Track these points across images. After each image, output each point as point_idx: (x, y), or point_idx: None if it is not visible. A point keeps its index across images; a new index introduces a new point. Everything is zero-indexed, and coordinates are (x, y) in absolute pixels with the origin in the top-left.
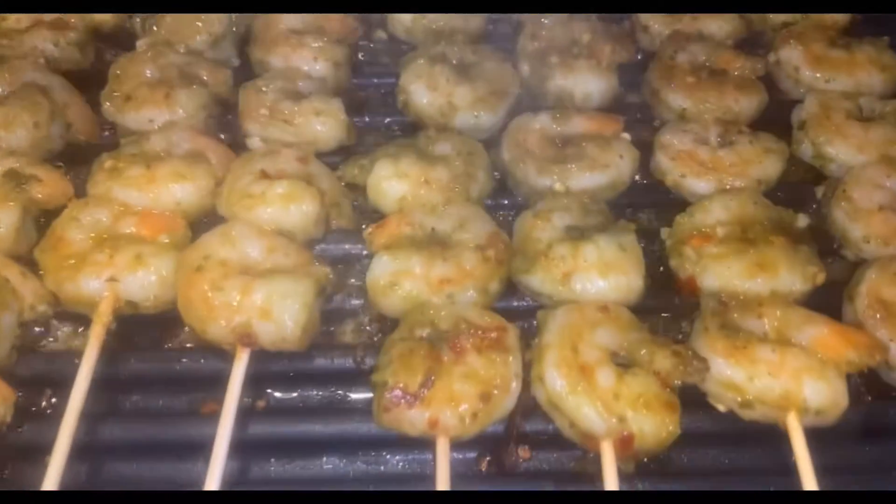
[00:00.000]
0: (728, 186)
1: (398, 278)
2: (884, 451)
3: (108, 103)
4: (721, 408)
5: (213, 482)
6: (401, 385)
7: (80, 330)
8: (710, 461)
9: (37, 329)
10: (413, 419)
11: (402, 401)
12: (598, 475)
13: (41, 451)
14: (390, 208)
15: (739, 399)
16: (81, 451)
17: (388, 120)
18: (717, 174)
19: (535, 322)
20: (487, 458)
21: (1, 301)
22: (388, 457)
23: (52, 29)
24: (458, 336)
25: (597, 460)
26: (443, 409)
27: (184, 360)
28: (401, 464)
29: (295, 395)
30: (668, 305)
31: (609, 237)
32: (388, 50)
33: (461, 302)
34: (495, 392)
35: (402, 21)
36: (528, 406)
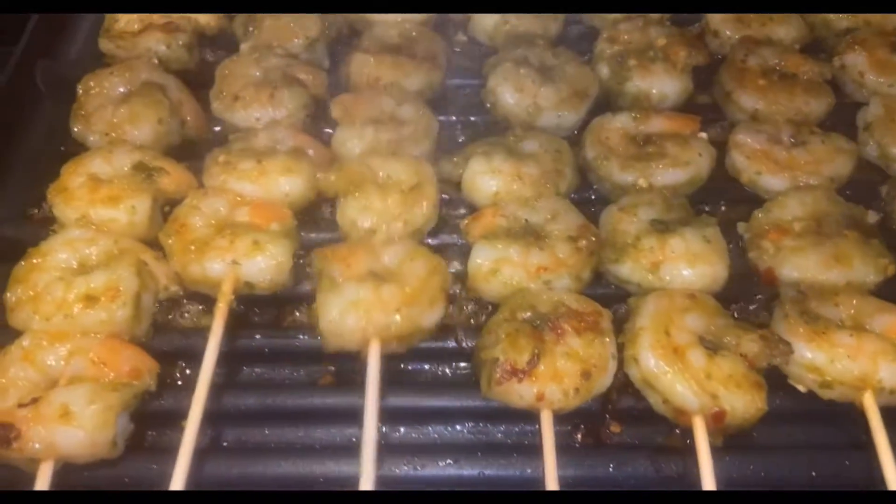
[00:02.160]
0: (802, 184)
1: (499, 265)
2: None
3: (216, 102)
4: (801, 388)
5: (368, 449)
6: (511, 361)
7: (208, 307)
8: (790, 437)
9: (167, 308)
10: (522, 392)
11: (513, 376)
12: (685, 448)
13: (179, 417)
14: (484, 202)
15: (819, 380)
16: (212, 417)
17: (473, 118)
18: (792, 172)
19: (621, 308)
20: (581, 432)
21: (142, 282)
22: (493, 428)
23: (163, 31)
24: (559, 319)
25: (682, 436)
26: (548, 384)
27: (301, 336)
28: (506, 435)
29: (409, 368)
30: (742, 294)
31: (694, 230)
32: (469, 52)
33: (557, 288)
34: (595, 370)
35: (484, 25)
36: (619, 384)
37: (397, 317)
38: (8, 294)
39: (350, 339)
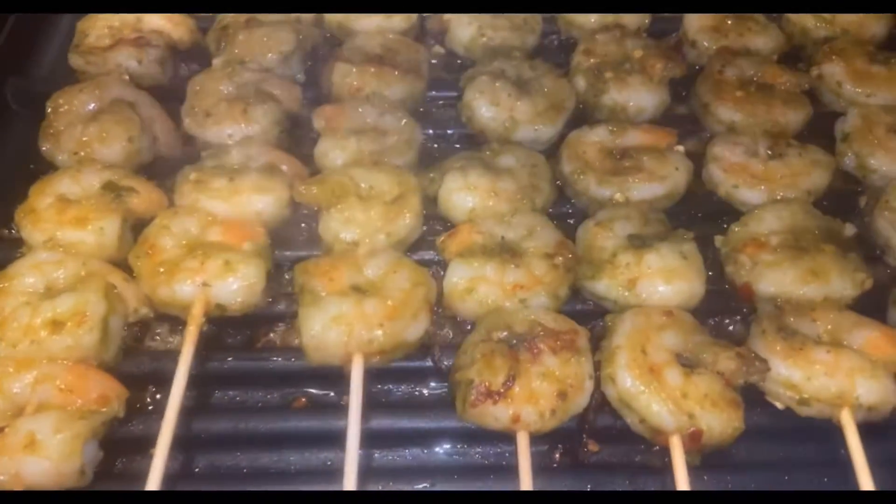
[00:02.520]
0: (779, 197)
1: (474, 283)
2: None
3: (188, 118)
4: (779, 405)
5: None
6: (486, 383)
7: (180, 328)
8: (768, 454)
9: (137, 330)
10: (497, 414)
11: (488, 398)
12: (663, 467)
13: (149, 443)
14: (460, 218)
15: (797, 397)
16: (183, 443)
17: (449, 132)
18: (769, 185)
19: (598, 324)
20: (559, 452)
21: (110, 305)
22: (470, 449)
23: (134, 46)
24: (535, 338)
25: (661, 454)
26: (524, 406)
27: (275, 358)
28: (483, 456)
29: (386, 388)
30: (719, 309)
31: (670, 245)
32: (446, 64)
33: (533, 306)
34: (571, 390)
35: (461, 38)
36: (596, 403)
37: (380, 331)
38: None
39: (333, 354)
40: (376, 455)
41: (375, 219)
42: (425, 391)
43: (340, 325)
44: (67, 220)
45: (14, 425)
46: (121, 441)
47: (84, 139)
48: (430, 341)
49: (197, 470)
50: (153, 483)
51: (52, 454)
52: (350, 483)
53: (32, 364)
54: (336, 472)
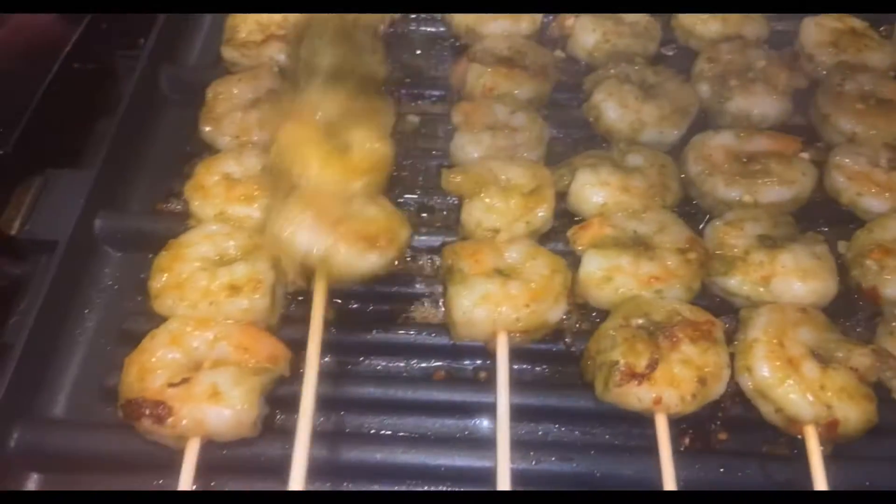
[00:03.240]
0: None
1: (611, 273)
2: None
3: None
4: None
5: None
6: (630, 364)
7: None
8: (892, 449)
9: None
10: (640, 395)
11: (632, 378)
12: (791, 456)
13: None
14: (591, 213)
15: None
16: (329, 404)
17: (571, 132)
18: (893, 194)
19: (727, 319)
20: (690, 437)
21: (278, 275)
22: (603, 429)
23: (283, 42)
24: (674, 327)
25: (788, 444)
26: (666, 389)
27: (412, 332)
28: (613, 436)
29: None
30: (843, 310)
31: (803, 246)
32: (566, 69)
33: (668, 298)
34: (710, 377)
35: (585, 43)
36: (730, 393)
37: (526, 311)
38: (152, 282)
39: (481, 330)
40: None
41: (515, 208)
42: (556, 373)
43: (489, 304)
44: (235, 197)
45: (197, 377)
46: (279, 399)
47: (244, 125)
48: (560, 326)
49: (347, 430)
50: (302, 440)
51: (234, 404)
52: (504, 451)
53: (210, 324)
54: (474, 440)
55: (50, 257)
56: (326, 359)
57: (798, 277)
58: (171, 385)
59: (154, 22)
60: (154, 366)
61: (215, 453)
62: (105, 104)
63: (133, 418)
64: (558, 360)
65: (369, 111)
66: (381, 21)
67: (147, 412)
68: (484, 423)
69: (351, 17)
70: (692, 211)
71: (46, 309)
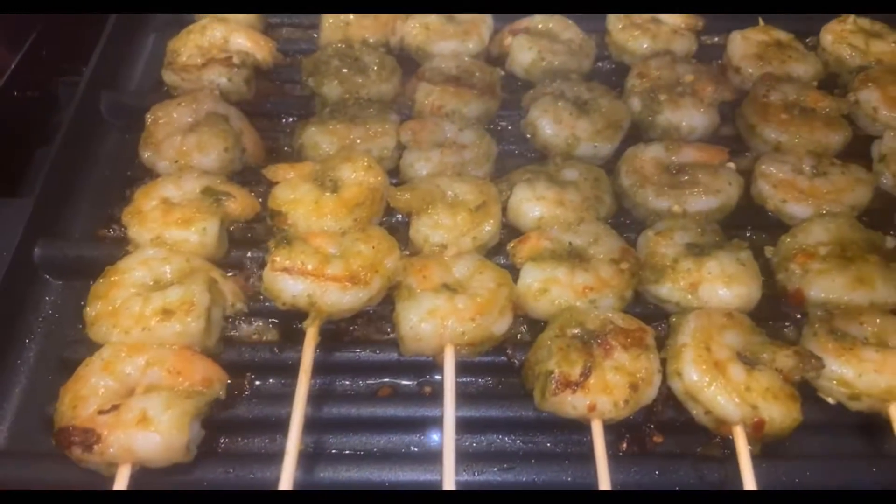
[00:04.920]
0: (824, 211)
1: (547, 284)
2: None
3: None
4: (830, 400)
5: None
6: (565, 373)
7: (272, 323)
8: (821, 446)
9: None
10: (576, 403)
11: (567, 387)
12: (723, 457)
13: (245, 426)
14: (528, 227)
15: (848, 392)
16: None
17: (512, 147)
18: (816, 200)
19: (659, 326)
20: (626, 441)
21: (214, 297)
22: (544, 437)
23: (224, 66)
24: (607, 335)
25: (720, 445)
26: (599, 396)
27: (358, 350)
28: (554, 444)
29: (470, 380)
30: (770, 314)
31: (728, 253)
32: (505, 85)
33: (602, 307)
34: (642, 382)
35: (522, 61)
36: (661, 397)
37: (472, 324)
38: (88, 309)
39: (428, 345)
40: (459, 440)
41: (461, 224)
42: (500, 384)
43: (436, 318)
44: (173, 221)
45: (127, 403)
46: (222, 423)
47: (184, 148)
48: (504, 338)
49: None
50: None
51: (162, 429)
52: (449, 464)
53: (143, 349)
54: (420, 455)
55: None
56: (270, 380)
57: (723, 283)
58: (102, 412)
59: (95, 47)
60: (86, 393)
61: (151, 479)
62: (46, 131)
63: (64, 446)
64: (501, 371)
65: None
66: None
67: (76, 440)
68: (430, 437)
69: None
70: (627, 221)
71: None
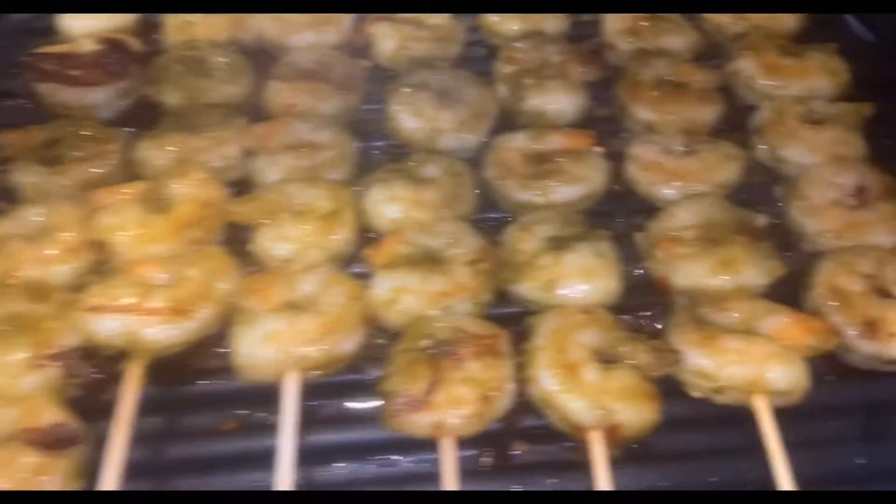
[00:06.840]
0: (693, 192)
1: (398, 294)
2: (844, 425)
3: None
4: (696, 394)
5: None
6: (407, 392)
7: None
8: (687, 443)
9: None
10: (419, 422)
11: (409, 407)
12: (587, 463)
13: None
14: (387, 230)
15: (711, 385)
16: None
17: (379, 143)
18: (684, 181)
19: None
20: (487, 455)
21: None
22: (403, 458)
23: None
24: (456, 345)
25: (586, 450)
26: (446, 412)
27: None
28: (410, 464)
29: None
30: (644, 304)
31: (587, 245)
32: (373, 77)
33: (458, 313)
34: (493, 393)
35: (384, 51)
36: (524, 403)
37: (313, 348)
38: None
39: (266, 373)
40: (308, 473)
41: (309, 234)
42: (357, 405)
43: (273, 343)
44: None
45: None
46: None
47: None
48: (361, 354)
49: None
50: None
51: None
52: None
53: None
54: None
55: None
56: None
57: (581, 278)
58: None
59: None
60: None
61: None
62: None
63: None
64: (357, 391)
65: None
66: None
67: None
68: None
69: None
70: (498, 216)
71: None
